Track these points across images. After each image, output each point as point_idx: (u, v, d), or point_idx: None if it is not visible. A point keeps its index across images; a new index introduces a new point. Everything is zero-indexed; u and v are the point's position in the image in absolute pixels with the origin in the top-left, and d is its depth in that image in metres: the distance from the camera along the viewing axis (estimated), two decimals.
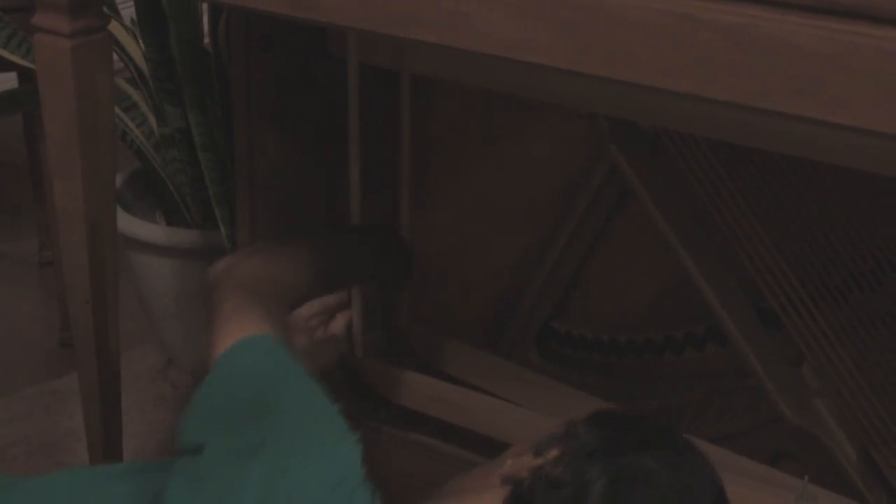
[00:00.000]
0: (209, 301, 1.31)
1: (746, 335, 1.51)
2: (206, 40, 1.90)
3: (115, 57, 1.62)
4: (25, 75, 2.09)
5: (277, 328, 1.24)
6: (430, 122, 1.68)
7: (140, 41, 1.90)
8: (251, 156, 1.64)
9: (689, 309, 1.56)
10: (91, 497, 1.19)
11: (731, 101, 0.94)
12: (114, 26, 1.87)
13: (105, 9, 1.43)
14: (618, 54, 0.97)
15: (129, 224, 1.94)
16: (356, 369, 1.67)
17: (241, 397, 1.15)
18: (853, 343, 1.48)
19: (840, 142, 1.24)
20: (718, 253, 1.51)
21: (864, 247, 1.46)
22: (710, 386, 1.56)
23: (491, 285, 1.73)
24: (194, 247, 1.93)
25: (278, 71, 1.61)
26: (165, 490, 1.09)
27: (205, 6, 1.85)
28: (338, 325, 1.49)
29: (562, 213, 1.62)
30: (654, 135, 1.51)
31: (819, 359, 1.49)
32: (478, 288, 1.74)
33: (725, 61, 0.92)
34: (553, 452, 1.10)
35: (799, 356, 1.52)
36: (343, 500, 1.05)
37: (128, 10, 1.97)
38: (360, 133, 1.63)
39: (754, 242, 1.49)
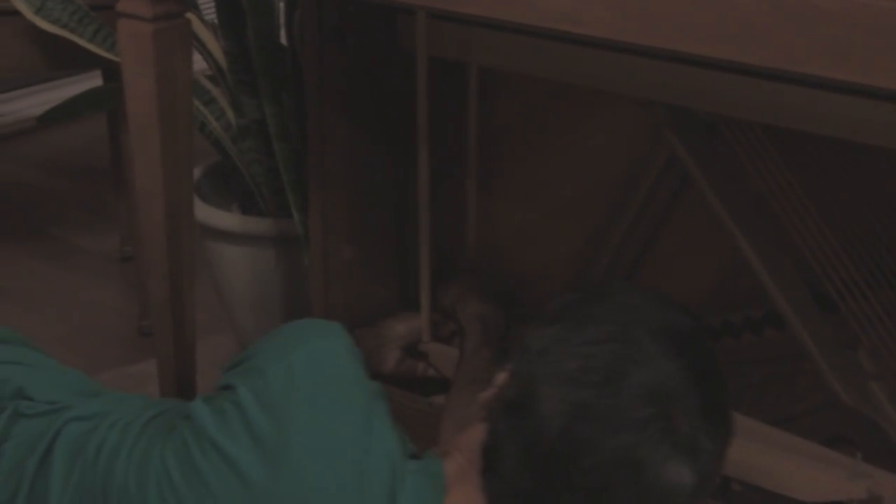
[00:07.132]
0: None
1: (803, 319, 1.49)
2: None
3: (197, 55, 1.67)
4: (109, 73, 2.11)
5: None
6: (494, 114, 1.69)
7: (219, 35, 1.92)
8: (323, 145, 1.67)
9: (748, 293, 1.55)
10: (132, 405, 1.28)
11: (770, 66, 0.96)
12: (195, 23, 1.89)
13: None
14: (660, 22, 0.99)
15: (206, 213, 1.95)
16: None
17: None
18: None
19: (888, 123, 1.26)
20: (775, 238, 1.51)
21: None
22: (769, 370, 1.56)
23: (553, 275, 1.72)
24: (267, 234, 1.94)
25: (349, 64, 1.65)
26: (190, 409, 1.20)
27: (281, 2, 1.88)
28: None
29: (622, 201, 1.62)
30: (710, 122, 1.51)
31: (874, 342, 1.47)
32: (540, 277, 1.74)
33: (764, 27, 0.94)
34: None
35: (854, 339, 1.49)
36: (349, 363, 1.18)
37: (210, 12, 2.01)
38: (429, 124, 1.65)
39: (810, 227, 1.48)
